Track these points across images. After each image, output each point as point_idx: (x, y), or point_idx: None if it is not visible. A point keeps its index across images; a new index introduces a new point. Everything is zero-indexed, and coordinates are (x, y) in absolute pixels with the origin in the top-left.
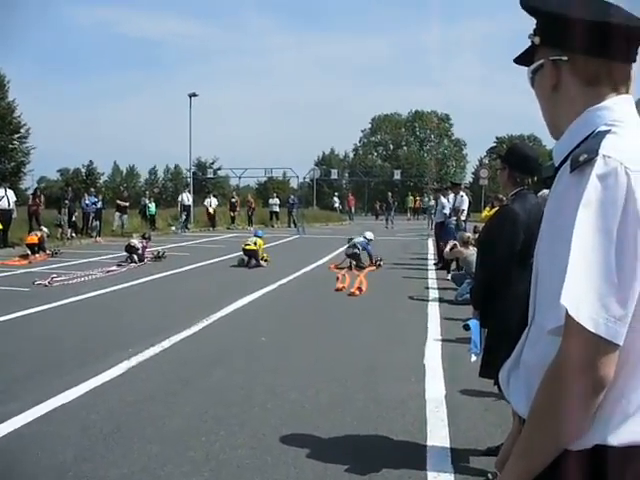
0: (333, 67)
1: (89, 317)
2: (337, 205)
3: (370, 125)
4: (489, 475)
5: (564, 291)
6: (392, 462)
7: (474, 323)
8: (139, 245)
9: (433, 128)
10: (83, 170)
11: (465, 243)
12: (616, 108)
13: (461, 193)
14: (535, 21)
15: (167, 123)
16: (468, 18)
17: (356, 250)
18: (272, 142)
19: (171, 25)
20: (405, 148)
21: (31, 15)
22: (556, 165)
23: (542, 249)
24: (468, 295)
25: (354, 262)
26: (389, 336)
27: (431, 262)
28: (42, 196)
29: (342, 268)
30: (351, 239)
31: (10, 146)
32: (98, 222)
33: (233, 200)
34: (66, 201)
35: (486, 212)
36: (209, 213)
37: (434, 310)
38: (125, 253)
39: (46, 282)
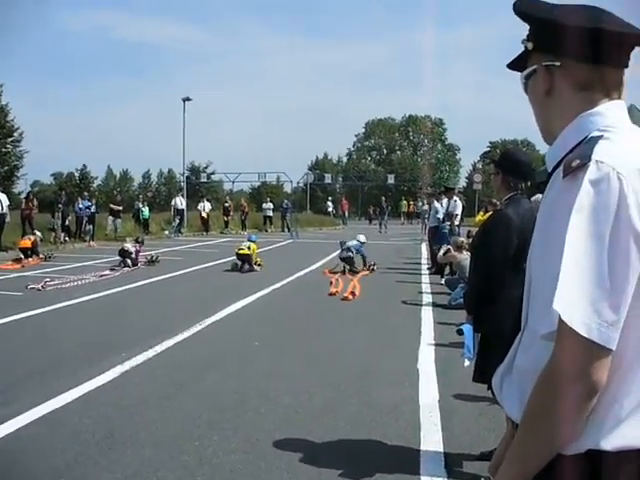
0: (326, 72)
1: (82, 321)
2: (331, 210)
3: (364, 129)
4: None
5: (557, 296)
6: (386, 467)
7: (467, 328)
8: (132, 249)
9: (427, 133)
10: (77, 174)
11: (459, 247)
12: (609, 114)
13: (455, 198)
14: (528, 27)
15: (161, 127)
16: (462, 23)
17: (350, 253)
18: (266, 146)
19: (166, 30)
20: (399, 153)
21: (27, 19)
22: (549, 170)
23: (535, 254)
24: (462, 300)
25: (348, 266)
26: (382, 341)
27: (425, 266)
28: (35, 200)
29: (336, 273)
30: (344, 242)
31: (3, 150)
32: (91, 226)
33: (226, 204)
34: (59, 205)
35: (480, 217)
36: (202, 217)
37: (427, 315)
38: (118, 257)
39: (39, 286)
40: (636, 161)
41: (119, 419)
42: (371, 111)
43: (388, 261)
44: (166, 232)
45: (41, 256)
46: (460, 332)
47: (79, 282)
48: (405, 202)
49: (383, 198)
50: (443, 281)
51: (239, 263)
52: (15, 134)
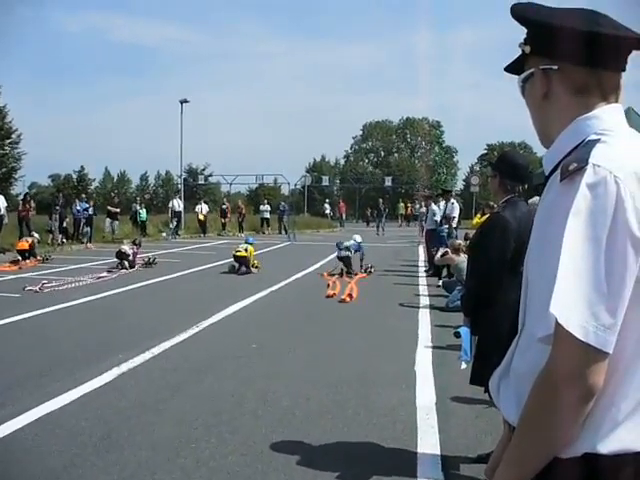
0: (325, 73)
1: (80, 323)
2: (328, 212)
3: (361, 132)
4: None
5: (554, 299)
6: (383, 469)
7: (465, 330)
8: (130, 251)
9: (424, 135)
10: (74, 176)
11: (456, 250)
12: (606, 117)
13: (452, 200)
14: (526, 30)
15: (158, 129)
16: (460, 25)
17: (348, 253)
18: (263, 149)
19: (164, 31)
20: (396, 155)
21: (23, 20)
22: (546, 174)
23: (532, 257)
24: (459, 302)
25: (345, 268)
26: (380, 343)
27: (422, 269)
28: (32, 201)
29: (333, 275)
30: (341, 243)
31: (1, 152)
32: (89, 228)
33: (224, 206)
34: (57, 207)
35: (477, 219)
36: (200, 219)
37: (425, 317)
38: (116, 259)
39: (37, 288)
40: (633, 165)
41: (116, 421)
42: (369, 113)
43: (385, 263)
44: (163, 234)
45: (38, 258)
46: (457, 335)
47: (76, 284)
48: (402, 204)
49: (380, 200)
50: (440, 283)
51: (236, 265)
52: (13, 136)
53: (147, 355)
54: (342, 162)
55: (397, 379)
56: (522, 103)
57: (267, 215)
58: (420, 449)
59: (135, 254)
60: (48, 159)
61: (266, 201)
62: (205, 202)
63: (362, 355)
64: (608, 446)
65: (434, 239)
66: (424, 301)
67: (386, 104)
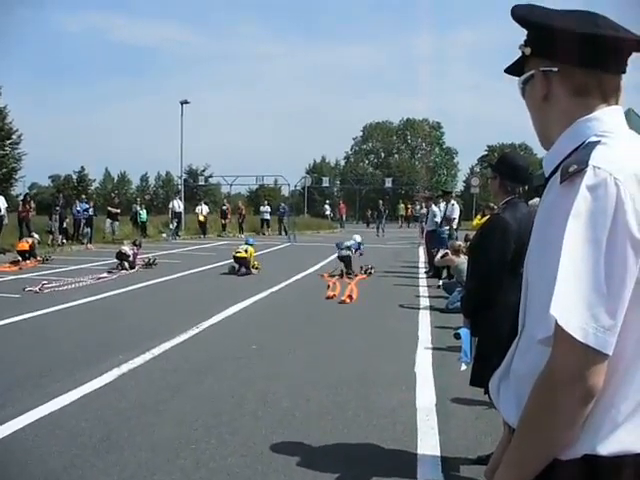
0: (324, 75)
1: (80, 324)
2: (328, 213)
3: (361, 133)
4: None
5: (554, 301)
6: (383, 470)
7: (465, 332)
8: (130, 252)
9: (424, 136)
10: (74, 176)
11: (456, 251)
12: (606, 119)
13: (452, 201)
14: (526, 32)
15: (159, 130)
16: (460, 26)
17: (349, 252)
18: (263, 150)
19: (164, 32)
20: (396, 156)
21: (23, 20)
22: (546, 175)
23: (532, 259)
24: (459, 303)
25: (345, 269)
26: (380, 344)
27: (422, 270)
28: (32, 202)
29: (333, 276)
30: (341, 243)
31: (1, 152)
32: (89, 229)
33: (224, 207)
34: (57, 207)
35: (477, 220)
36: (200, 220)
37: (425, 318)
38: (116, 260)
39: (37, 289)
40: (633, 166)
41: (116, 422)
42: (369, 114)
43: (385, 265)
44: (164, 235)
45: (39, 258)
46: (457, 336)
47: (76, 285)
48: (403, 205)
49: (381, 201)
50: (440, 283)
51: (236, 266)
52: (14, 136)
53: (147, 356)
54: (342, 163)
55: (397, 380)
56: (522, 104)
57: (267, 216)
58: (420, 450)
59: (135, 255)
60: (48, 160)
61: (266, 202)
62: (205, 203)
63: (362, 356)
64: (608, 448)
65: (434, 240)
66: (424, 302)
67: (386, 105)
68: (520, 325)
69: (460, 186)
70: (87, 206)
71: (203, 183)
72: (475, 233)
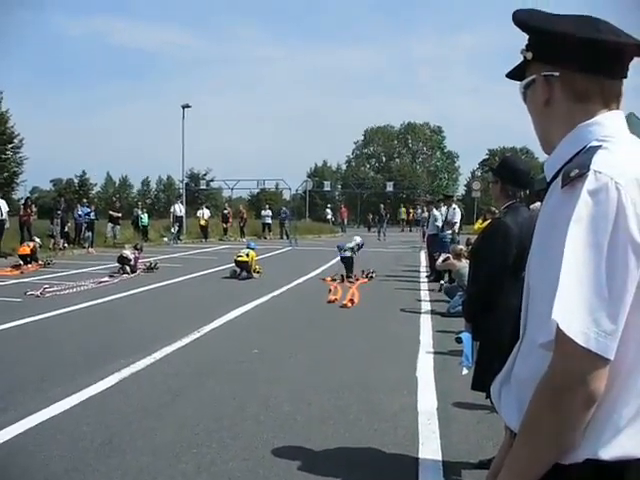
0: (325, 78)
1: (81, 328)
2: (329, 217)
3: (363, 137)
4: None
5: (555, 305)
6: (384, 475)
7: (466, 336)
8: (131, 256)
9: (425, 140)
10: (76, 180)
11: (458, 255)
12: (607, 124)
13: (453, 205)
14: (527, 37)
15: (160, 134)
16: (461, 30)
17: (352, 254)
18: (264, 154)
19: (164, 36)
20: (397, 160)
21: (23, 23)
22: (547, 180)
23: (533, 263)
24: (460, 307)
25: (346, 272)
26: (381, 348)
27: (423, 274)
28: (33, 206)
29: (335, 280)
30: (342, 245)
31: (3, 156)
32: (90, 233)
33: (225, 211)
34: (59, 211)
35: (478, 224)
36: (201, 224)
37: (426, 322)
38: (117, 264)
39: (38, 293)
40: (634, 171)
41: (118, 426)
42: (370, 118)
43: (387, 269)
44: (165, 239)
45: (40, 262)
46: (459, 340)
47: (78, 289)
48: (404, 209)
49: (382, 205)
50: (442, 286)
51: (238, 270)
52: (15, 140)
53: (149, 360)
54: (344, 167)
55: (399, 384)
56: (523, 108)
57: (269, 220)
58: (421, 455)
59: (137, 259)
60: (50, 164)
61: (268, 206)
62: (207, 207)
63: (364, 360)
64: (610, 452)
65: (435, 244)
66: (425, 306)
67: (386, 108)
68: (521, 329)
69: (461, 190)
70: (88, 210)
71: (204, 187)
72: (476, 237)
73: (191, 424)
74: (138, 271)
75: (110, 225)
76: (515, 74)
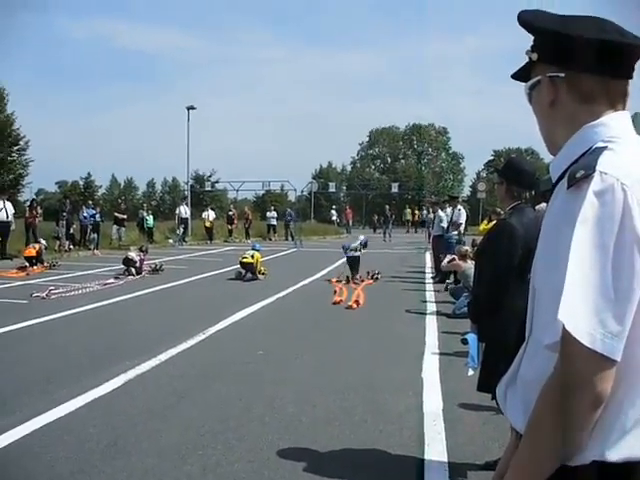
0: (330, 79)
1: (86, 330)
2: (335, 218)
3: (368, 138)
4: None
5: (561, 307)
6: (389, 476)
7: (472, 337)
8: (137, 258)
9: (431, 141)
10: (81, 182)
11: (463, 256)
12: (613, 124)
13: (459, 207)
14: (532, 37)
15: (165, 136)
16: (465, 31)
17: (358, 254)
18: (270, 155)
19: (167, 38)
20: (403, 161)
21: (26, 25)
22: (553, 181)
23: (539, 265)
24: (466, 309)
25: (351, 272)
26: (386, 349)
27: (429, 275)
28: (39, 208)
29: (340, 281)
30: (347, 245)
31: (9, 158)
32: (96, 235)
33: (230, 213)
34: (64, 213)
35: (483, 225)
36: (206, 226)
37: (432, 323)
38: (123, 266)
39: (44, 294)
40: None
41: (124, 427)
42: (374, 119)
43: (392, 270)
44: (170, 241)
45: (46, 264)
46: (464, 341)
47: (83, 290)
48: (409, 210)
49: (387, 207)
50: (447, 286)
51: (243, 272)
52: (21, 142)
53: (154, 361)
54: (349, 168)
55: (404, 386)
56: (528, 109)
57: (274, 222)
58: (427, 456)
59: (142, 261)
60: (55, 166)
61: (273, 207)
62: (212, 209)
63: (369, 361)
64: (617, 453)
65: (441, 245)
66: (431, 307)
67: (389, 110)
68: (527, 330)
69: (467, 191)
70: (94, 212)
71: (209, 189)
72: (482, 238)
73: (196, 425)
74: (143, 273)
75: (115, 227)
76: (520, 75)
